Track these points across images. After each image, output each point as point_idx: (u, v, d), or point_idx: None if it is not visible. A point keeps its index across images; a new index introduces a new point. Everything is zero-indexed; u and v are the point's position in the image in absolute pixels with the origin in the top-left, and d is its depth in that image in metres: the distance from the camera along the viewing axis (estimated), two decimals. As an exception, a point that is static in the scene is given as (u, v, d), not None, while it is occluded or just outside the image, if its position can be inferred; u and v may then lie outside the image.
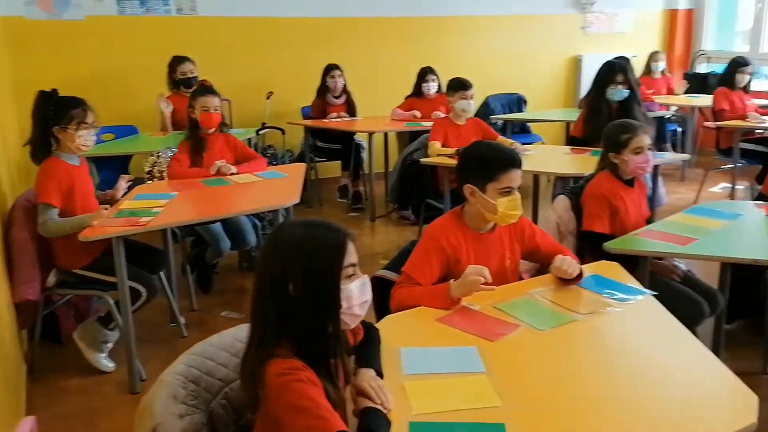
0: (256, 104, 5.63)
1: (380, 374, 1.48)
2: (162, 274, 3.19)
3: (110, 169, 4.15)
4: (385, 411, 1.36)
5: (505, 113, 6.04)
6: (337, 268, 1.34)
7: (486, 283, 1.89)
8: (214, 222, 3.48)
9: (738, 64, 5.25)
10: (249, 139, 4.88)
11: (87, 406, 2.72)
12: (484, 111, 5.92)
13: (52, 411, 2.67)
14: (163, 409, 1.33)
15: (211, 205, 3.18)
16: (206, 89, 3.70)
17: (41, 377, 2.91)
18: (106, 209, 2.77)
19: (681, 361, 1.65)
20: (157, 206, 2.94)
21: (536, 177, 4.47)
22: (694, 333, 2.37)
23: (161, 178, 3.66)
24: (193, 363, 1.46)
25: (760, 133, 5.18)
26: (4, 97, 3.90)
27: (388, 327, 1.77)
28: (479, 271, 1.88)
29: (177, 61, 4.82)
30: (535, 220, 4.23)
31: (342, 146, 5.38)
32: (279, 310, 1.31)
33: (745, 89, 5.27)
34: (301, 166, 3.84)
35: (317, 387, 1.26)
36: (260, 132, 5.24)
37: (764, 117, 4.95)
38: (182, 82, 4.79)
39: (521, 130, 6.18)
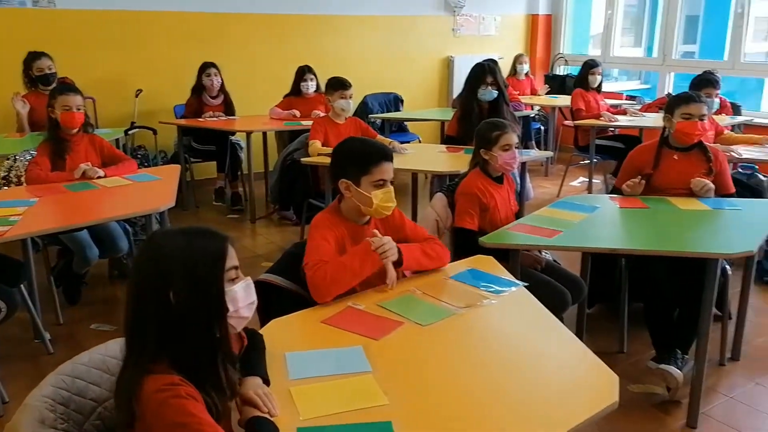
0: (124, 103, 5.33)
1: (266, 381, 1.46)
2: (23, 286, 2.94)
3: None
4: (272, 419, 1.35)
5: (382, 112, 6.16)
6: (220, 273, 1.32)
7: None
8: (80, 229, 3.25)
9: (590, 66, 5.69)
10: (117, 139, 4.63)
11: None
12: (363, 110, 5.99)
13: None
14: (30, 435, 1.23)
15: (77, 212, 2.96)
16: (67, 87, 3.49)
17: None
18: None
19: (551, 347, 1.76)
20: (14, 214, 2.72)
21: (414, 175, 4.60)
22: (561, 319, 2.56)
23: (19, 184, 3.38)
24: (62, 384, 1.37)
25: (612, 130, 5.66)
26: None
27: (272, 332, 1.75)
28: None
29: (33, 57, 4.47)
30: (414, 217, 4.35)
31: (217, 147, 5.23)
32: (159, 320, 1.26)
33: (598, 90, 5.72)
34: (175, 168, 3.70)
35: (198, 401, 1.23)
36: (129, 132, 4.96)
37: (616, 116, 5.41)
38: (39, 79, 4.46)
39: (399, 128, 6.33)
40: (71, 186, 3.19)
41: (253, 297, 1.42)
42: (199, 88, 5.22)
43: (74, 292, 3.56)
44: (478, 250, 2.44)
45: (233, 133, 5.23)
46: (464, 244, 2.70)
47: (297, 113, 5.19)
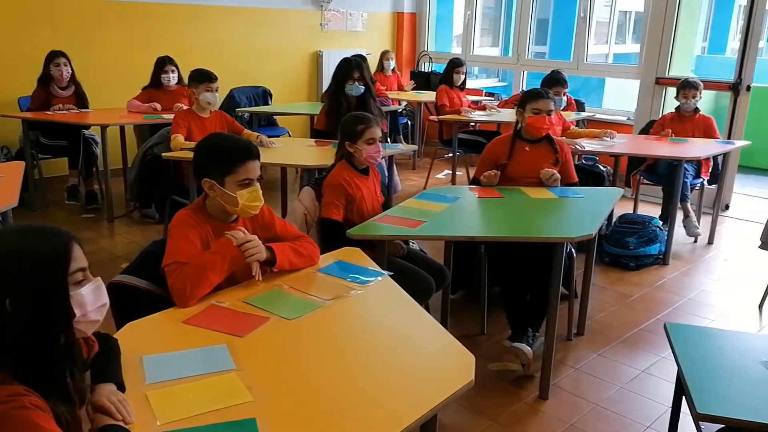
0: (-43, 94, 4.81)
1: (122, 387, 1.39)
2: None
3: None
4: (126, 427, 1.29)
5: (250, 106, 6.04)
6: (63, 276, 1.22)
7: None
8: None
9: (454, 64, 5.94)
10: (-52, 134, 4.17)
11: None
12: (230, 103, 5.84)
13: None
14: None
15: None
16: None
17: None
18: None
19: (413, 333, 1.83)
20: None
21: (284, 169, 4.56)
22: (427, 306, 2.67)
23: None
24: None
25: (473, 125, 5.95)
26: None
27: (129, 335, 1.67)
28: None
29: None
30: (284, 211, 4.31)
31: (69, 141, 4.86)
32: None
33: (461, 87, 6.00)
34: (19, 165, 3.40)
35: (44, 412, 1.14)
36: (-37, 126, 4.49)
37: (476, 111, 5.69)
38: None
39: (268, 123, 6.24)
40: None
41: (104, 299, 1.33)
42: (46, 79, 4.82)
43: None
44: (345, 241, 2.48)
45: (87, 127, 4.90)
46: (330, 234, 2.73)
47: (158, 106, 4.96)
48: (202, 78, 4.11)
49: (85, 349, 1.39)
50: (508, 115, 5.48)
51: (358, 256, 2.33)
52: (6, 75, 5.06)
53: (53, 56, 4.79)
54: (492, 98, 7.02)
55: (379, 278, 2.14)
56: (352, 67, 4.37)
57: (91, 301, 1.29)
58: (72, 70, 4.89)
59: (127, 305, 1.93)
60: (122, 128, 5.23)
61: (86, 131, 4.93)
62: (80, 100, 4.96)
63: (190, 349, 1.64)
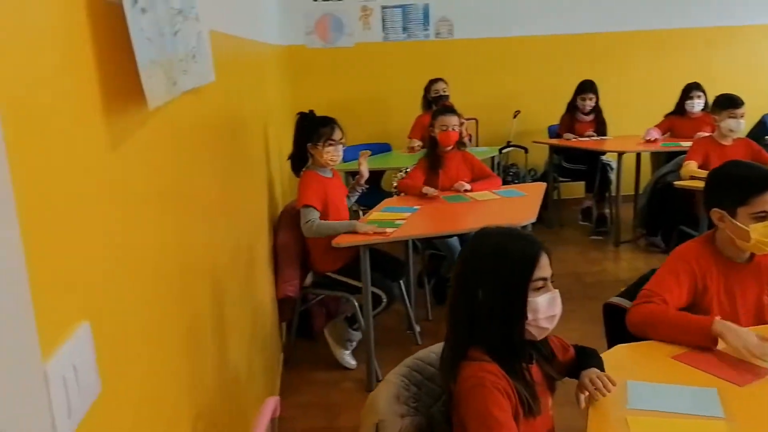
0: (503, 123, 5.69)
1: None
2: (401, 282, 3.35)
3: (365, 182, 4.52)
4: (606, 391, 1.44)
5: (788, 134, 5.25)
6: (526, 279, 1.35)
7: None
8: (451, 236, 3.59)
9: None
10: (492, 157, 4.96)
11: (327, 399, 2.95)
12: (759, 131, 5.22)
13: (296, 399, 2.93)
14: (387, 407, 1.42)
15: (449, 220, 3.29)
16: (446, 109, 3.81)
17: (293, 367, 3.23)
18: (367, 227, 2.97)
19: None
20: (400, 218, 3.13)
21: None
22: None
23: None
24: (417, 367, 1.55)
25: None
26: (285, 116, 4.47)
27: (615, 356, 1.68)
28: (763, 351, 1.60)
29: (432, 82, 5.06)
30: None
31: (587, 166, 5.18)
32: (470, 313, 1.37)
33: None
34: (541, 186, 3.79)
35: (503, 396, 1.29)
36: (503, 150, 5.29)
37: None
38: (434, 100, 4.98)
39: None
40: (448, 198, 3.54)
41: (556, 310, 1.40)
42: (572, 106, 5.26)
43: (442, 292, 3.93)
44: None
45: (604, 153, 5.11)
46: None
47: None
48: (727, 104, 3.82)
49: (560, 351, 1.52)
50: None
51: None
52: (540, 106, 5.72)
53: (583, 90, 5.14)
54: None
55: None
56: None
57: (543, 308, 1.37)
58: (597, 99, 5.19)
59: (617, 326, 1.94)
60: (638, 155, 5.26)
61: (603, 157, 5.15)
62: (600, 127, 5.21)
63: (676, 385, 1.55)
